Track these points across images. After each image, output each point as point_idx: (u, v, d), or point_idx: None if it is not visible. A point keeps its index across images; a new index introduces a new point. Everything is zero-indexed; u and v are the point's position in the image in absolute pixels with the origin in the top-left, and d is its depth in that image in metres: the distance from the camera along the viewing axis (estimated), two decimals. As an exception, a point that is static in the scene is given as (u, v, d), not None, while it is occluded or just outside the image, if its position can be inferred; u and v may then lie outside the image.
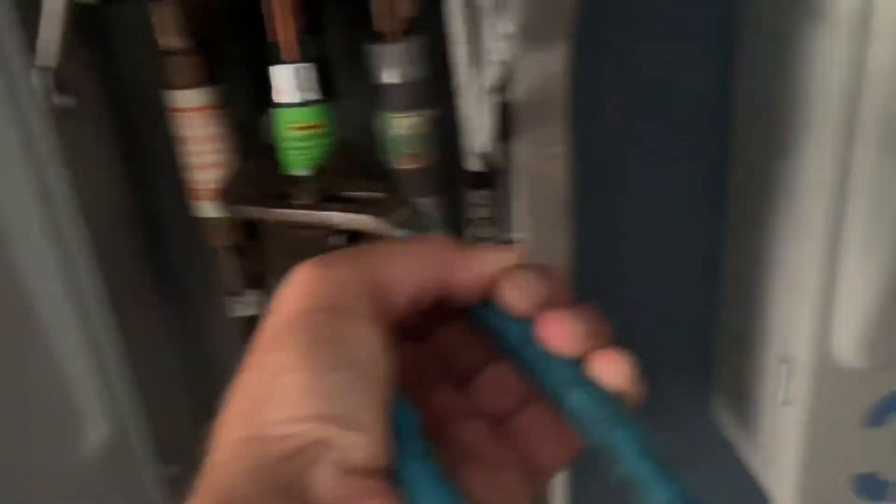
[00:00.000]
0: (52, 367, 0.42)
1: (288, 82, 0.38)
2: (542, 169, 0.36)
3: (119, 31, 0.41)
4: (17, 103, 0.35)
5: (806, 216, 0.42)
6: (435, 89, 0.42)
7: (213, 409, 0.22)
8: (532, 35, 0.33)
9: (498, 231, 0.47)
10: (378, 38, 0.39)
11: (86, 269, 0.39)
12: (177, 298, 0.50)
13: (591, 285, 0.54)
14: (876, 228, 0.38)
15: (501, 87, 0.35)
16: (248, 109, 0.41)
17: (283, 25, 0.37)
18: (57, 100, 0.33)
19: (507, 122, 0.36)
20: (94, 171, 0.40)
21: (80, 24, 0.34)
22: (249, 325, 0.48)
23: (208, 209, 0.42)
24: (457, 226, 0.48)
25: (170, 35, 0.37)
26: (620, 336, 0.22)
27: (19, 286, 0.40)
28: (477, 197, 0.47)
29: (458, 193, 0.47)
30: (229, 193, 0.41)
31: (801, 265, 0.43)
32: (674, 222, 0.56)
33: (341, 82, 0.41)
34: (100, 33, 0.41)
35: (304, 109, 0.39)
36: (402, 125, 0.41)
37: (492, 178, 0.45)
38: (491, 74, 0.35)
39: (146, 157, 0.45)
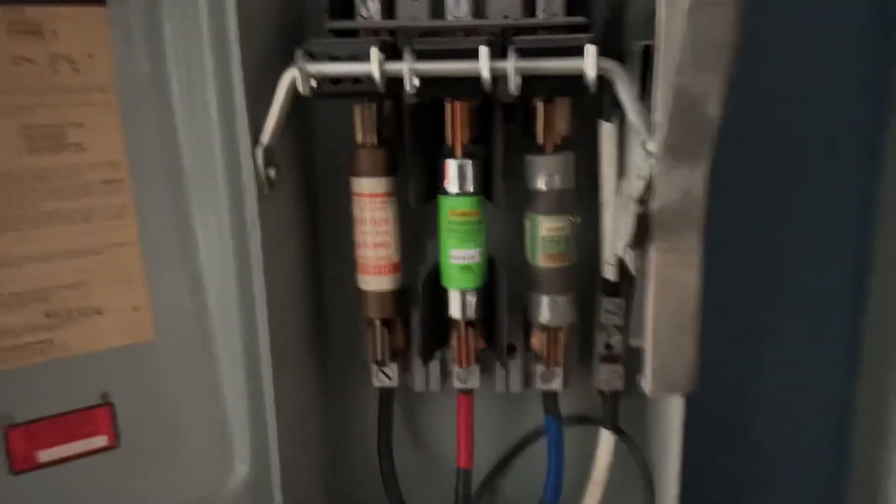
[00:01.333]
0: (219, 406, 0.48)
1: (454, 175, 0.44)
2: (676, 277, 0.39)
3: (320, 122, 0.49)
4: (235, 174, 0.42)
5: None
6: (582, 198, 0.46)
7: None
8: (675, 153, 0.37)
9: (627, 338, 0.49)
10: (536, 149, 0.45)
11: (261, 323, 0.45)
12: (329, 362, 0.55)
13: (718, 399, 0.55)
14: None
15: (643, 200, 0.39)
16: (418, 198, 0.47)
17: (456, 131, 0.43)
18: (269, 173, 0.41)
19: (644, 233, 0.40)
20: (283, 237, 0.47)
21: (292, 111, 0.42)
22: (387, 396, 0.52)
23: (370, 283, 0.48)
24: (589, 329, 0.51)
25: (364, 131, 0.44)
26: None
27: (206, 328, 0.47)
28: (610, 304, 0.50)
29: (595, 298, 0.50)
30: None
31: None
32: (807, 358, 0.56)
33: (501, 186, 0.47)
34: (304, 121, 0.49)
35: (464, 198, 0.44)
36: (547, 227, 0.45)
37: (625, 287, 0.48)
38: (635, 187, 0.39)
39: (326, 232, 0.52)
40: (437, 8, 0.44)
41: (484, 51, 0.38)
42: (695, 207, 0.38)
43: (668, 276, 0.40)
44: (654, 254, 0.39)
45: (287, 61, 0.40)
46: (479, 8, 0.44)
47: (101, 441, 0.45)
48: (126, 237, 0.45)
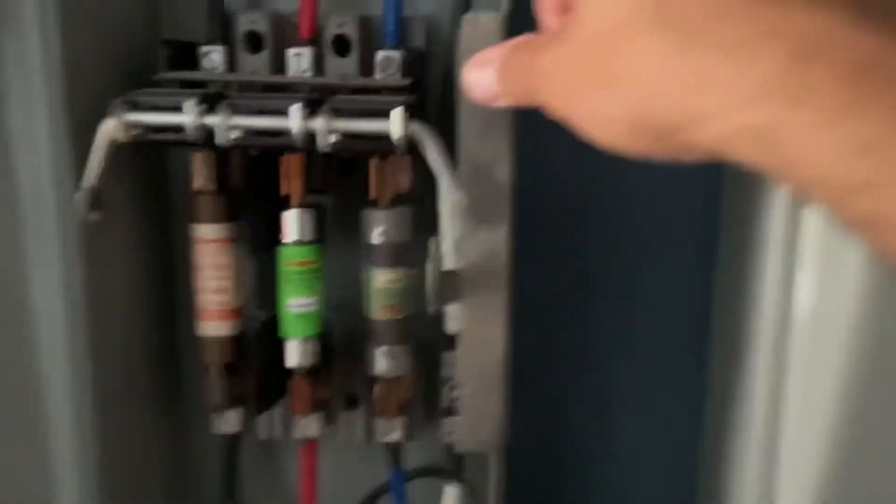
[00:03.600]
0: (43, 449, 0.47)
1: (290, 225, 0.45)
2: (481, 336, 0.40)
3: (172, 169, 0.50)
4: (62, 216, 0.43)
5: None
6: (418, 252, 0.47)
7: None
8: (475, 216, 0.38)
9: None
10: (371, 204, 0.46)
11: (85, 369, 0.45)
12: (181, 410, 0.55)
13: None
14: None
15: (451, 258, 0.40)
16: (260, 245, 0.48)
17: (290, 182, 0.45)
18: (91, 215, 0.41)
19: (451, 290, 0.40)
20: (116, 281, 0.47)
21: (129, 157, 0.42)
22: (230, 441, 0.52)
23: (209, 328, 0.48)
24: (434, 382, 0.52)
25: (201, 177, 0.45)
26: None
27: (32, 366, 0.47)
28: (450, 357, 0.51)
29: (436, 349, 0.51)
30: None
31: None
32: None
33: (337, 239, 0.48)
34: (160, 168, 0.50)
35: (300, 248, 0.45)
36: (381, 280, 0.46)
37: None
38: (444, 246, 0.40)
39: (182, 278, 0.52)
40: (279, 64, 0.46)
41: (295, 109, 0.39)
42: (499, 267, 0.39)
43: (474, 334, 0.40)
44: (460, 312, 0.40)
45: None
46: (319, 67, 0.45)
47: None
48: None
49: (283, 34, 0.47)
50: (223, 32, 0.47)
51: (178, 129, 0.40)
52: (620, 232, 0.55)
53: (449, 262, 0.40)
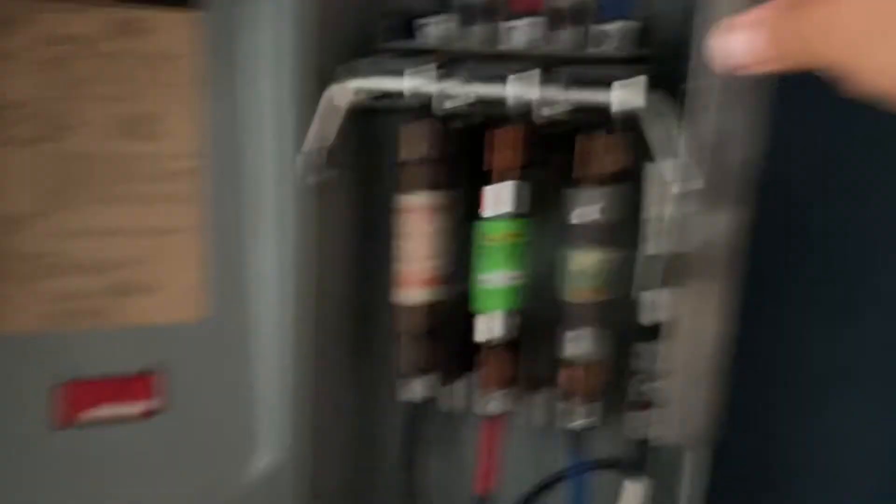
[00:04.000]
0: (253, 391, 0.50)
1: (489, 199, 0.45)
2: (695, 325, 0.38)
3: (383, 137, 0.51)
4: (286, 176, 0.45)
5: None
6: (625, 234, 0.45)
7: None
8: (703, 198, 0.36)
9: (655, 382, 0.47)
10: (575, 182, 0.45)
11: (305, 321, 0.48)
12: (363, 370, 0.56)
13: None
14: None
15: (675, 242, 0.38)
16: (462, 216, 0.48)
17: (494, 156, 0.44)
18: (323, 174, 0.43)
19: (674, 274, 0.39)
20: (331, 239, 0.49)
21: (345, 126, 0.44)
22: (415, 411, 0.53)
23: (409, 295, 0.49)
24: (622, 372, 0.50)
25: (410, 147, 0.46)
26: None
27: (253, 314, 0.50)
28: (642, 348, 0.49)
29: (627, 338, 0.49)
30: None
31: None
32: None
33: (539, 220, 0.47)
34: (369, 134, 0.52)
35: (497, 223, 0.45)
36: (577, 261, 0.45)
37: (656, 330, 0.46)
38: (669, 227, 0.38)
39: (379, 246, 0.54)
40: (494, 37, 0.45)
41: (531, 75, 0.39)
42: (726, 255, 0.37)
43: (690, 323, 0.38)
44: (675, 299, 0.38)
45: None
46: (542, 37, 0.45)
47: (140, 408, 0.49)
48: (189, 222, 0.49)
49: (498, 7, 0.46)
50: (440, 4, 0.47)
51: (403, 95, 0.41)
52: (849, 233, 0.51)
53: (666, 246, 0.38)
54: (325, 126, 0.42)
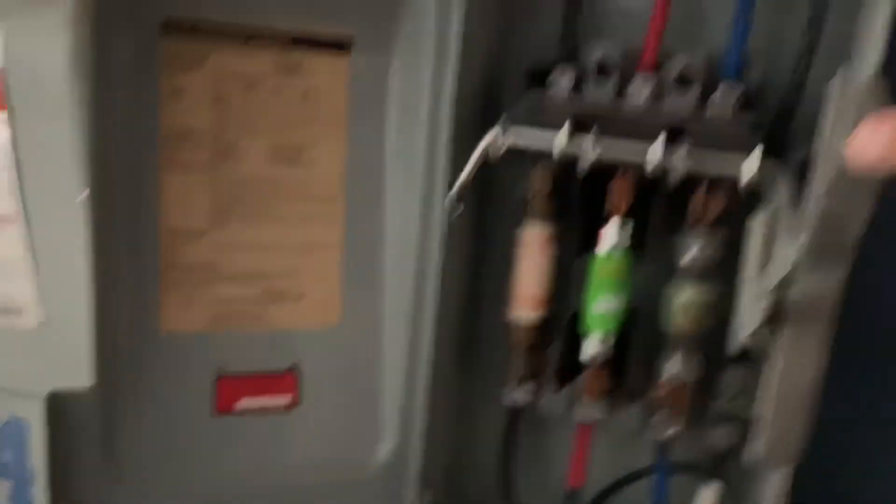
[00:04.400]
0: (379, 386, 0.57)
1: (606, 238, 0.51)
2: (797, 364, 0.44)
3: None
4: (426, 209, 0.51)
5: None
6: (725, 271, 0.51)
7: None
8: (815, 260, 0.41)
9: (743, 409, 0.53)
10: (686, 225, 0.50)
11: (429, 328, 0.54)
12: (470, 378, 0.63)
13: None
14: None
15: (781, 288, 0.44)
16: (576, 250, 0.54)
17: (615, 201, 0.50)
18: (455, 214, 0.49)
19: (777, 318, 0.44)
20: (454, 262, 0.55)
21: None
22: (517, 414, 0.60)
23: (521, 313, 0.55)
24: (706, 396, 0.56)
25: (537, 186, 0.52)
26: None
27: (381, 319, 0.56)
28: (731, 375, 0.55)
29: (719, 362, 0.55)
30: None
31: None
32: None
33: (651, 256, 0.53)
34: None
35: (611, 259, 0.51)
36: (683, 297, 0.51)
37: (748, 361, 0.52)
38: (774, 275, 0.44)
39: (491, 267, 0.59)
40: (622, 92, 0.51)
41: (658, 144, 0.44)
42: (826, 308, 0.43)
43: (791, 361, 0.44)
44: (782, 340, 0.44)
45: (484, 122, 0.49)
46: (658, 97, 0.50)
47: (285, 400, 0.55)
48: (332, 240, 0.55)
49: (630, 63, 0.51)
50: (572, 57, 0.52)
51: (541, 151, 0.47)
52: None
53: (770, 292, 0.44)
54: (473, 170, 0.48)
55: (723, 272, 0.51)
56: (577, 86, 0.51)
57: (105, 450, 0.51)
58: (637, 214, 0.52)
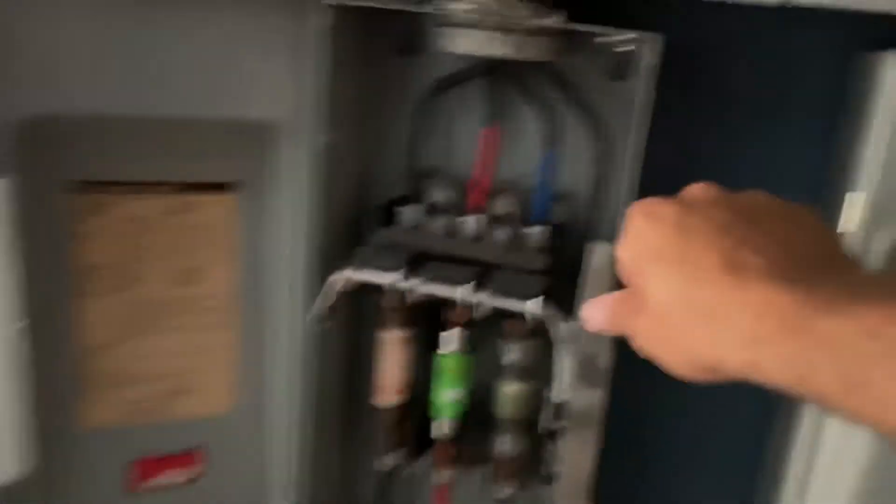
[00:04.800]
0: (269, 457, 0.69)
1: (445, 342, 0.63)
2: (576, 457, 0.56)
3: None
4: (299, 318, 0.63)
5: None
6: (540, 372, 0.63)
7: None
8: (581, 375, 0.54)
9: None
10: (505, 336, 0.63)
11: (307, 415, 0.66)
12: (350, 446, 0.75)
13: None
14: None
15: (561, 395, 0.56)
16: (423, 350, 0.66)
17: (450, 319, 0.62)
18: (321, 326, 0.61)
19: (559, 417, 0.57)
20: (331, 358, 0.67)
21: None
22: (387, 476, 0.72)
23: (385, 399, 0.67)
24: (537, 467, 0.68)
25: (390, 303, 0.63)
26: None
27: (268, 404, 0.68)
28: (547, 449, 0.67)
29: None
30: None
31: None
32: None
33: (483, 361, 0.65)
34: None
35: (450, 358, 0.63)
36: (509, 390, 0.63)
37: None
38: (555, 391, 0.56)
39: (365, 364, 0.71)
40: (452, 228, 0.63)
41: (463, 288, 0.56)
42: (594, 415, 0.55)
43: (573, 455, 0.57)
44: (567, 438, 0.57)
45: (345, 252, 0.60)
46: (483, 237, 0.62)
47: (190, 473, 0.67)
48: (224, 342, 0.66)
49: (461, 201, 0.63)
50: (416, 192, 0.64)
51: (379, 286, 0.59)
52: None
53: (560, 397, 0.56)
54: (326, 298, 0.59)
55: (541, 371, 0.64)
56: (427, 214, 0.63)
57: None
58: (472, 324, 0.65)
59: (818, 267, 0.33)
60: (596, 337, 0.51)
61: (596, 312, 0.42)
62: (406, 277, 0.58)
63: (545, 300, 0.55)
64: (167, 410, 0.66)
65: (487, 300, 0.57)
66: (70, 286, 0.61)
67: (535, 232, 0.61)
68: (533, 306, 0.55)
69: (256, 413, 0.68)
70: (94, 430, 0.64)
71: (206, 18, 0.56)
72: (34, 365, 0.58)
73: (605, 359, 0.52)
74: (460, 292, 0.57)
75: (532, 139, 0.63)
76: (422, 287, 0.58)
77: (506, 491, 0.68)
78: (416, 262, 0.60)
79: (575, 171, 0.63)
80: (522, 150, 0.63)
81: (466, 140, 0.64)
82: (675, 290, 0.34)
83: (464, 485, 0.71)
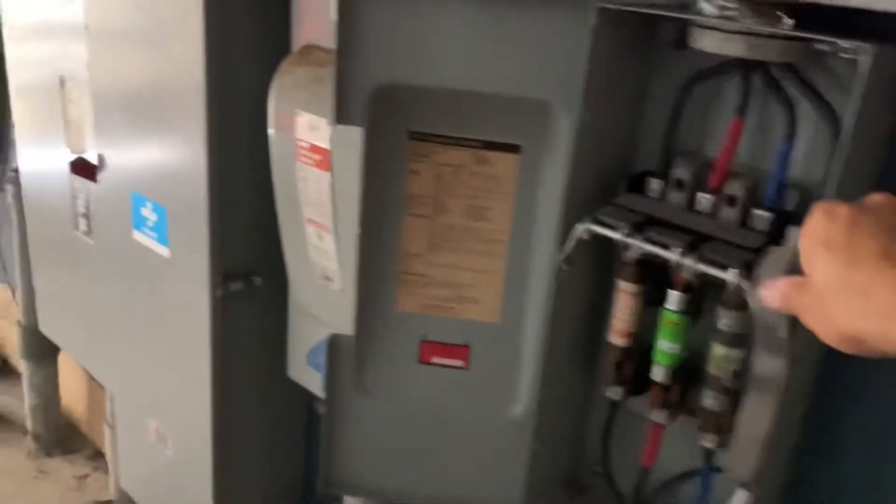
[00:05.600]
0: (521, 363, 0.87)
1: (671, 301, 0.73)
2: (757, 409, 0.63)
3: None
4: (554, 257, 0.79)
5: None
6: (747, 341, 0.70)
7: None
8: (763, 342, 0.61)
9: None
10: (722, 303, 0.70)
11: (552, 332, 0.82)
12: (585, 372, 0.89)
13: None
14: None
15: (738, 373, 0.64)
16: (650, 303, 0.77)
17: (674, 280, 0.72)
18: (563, 265, 0.76)
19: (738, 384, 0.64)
20: (574, 292, 0.82)
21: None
22: (614, 406, 0.85)
23: (615, 339, 0.80)
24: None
25: (624, 256, 0.76)
26: None
27: (525, 319, 0.85)
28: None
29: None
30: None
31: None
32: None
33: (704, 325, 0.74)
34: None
35: (673, 314, 0.73)
36: (719, 352, 0.71)
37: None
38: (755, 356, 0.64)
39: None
40: (693, 198, 0.72)
41: (675, 251, 0.66)
42: (777, 381, 0.62)
43: (752, 414, 0.64)
44: (748, 398, 0.64)
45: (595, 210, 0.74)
46: (714, 214, 0.70)
47: (459, 363, 0.88)
48: (498, 267, 0.85)
49: (702, 178, 0.72)
50: (667, 168, 0.75)
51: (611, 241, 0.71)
52: None
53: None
54: (569, 244, 0.74)
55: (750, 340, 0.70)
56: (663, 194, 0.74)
57: (358, 373, 0.90)
58: (698, 290, 0.74)
59: None
60: (777, 314, 0.58)
61: (772, 291, 0.50)
62: (628, 235, 0.70)
63: (743, 272, 0.63)
64: (454, 311, 0.88)
65: (691, 264, 0.66)
66: (399, 208, 0.85)
67: (762, 215, 0.67)
68: (730, 275, 0.63)
69: (516, 327, 0.86)
70: (403, 314, 0.88)
71: (512, 16, 0.73)
72: (366, 260, 0.84)
73: (783, 330, 0.58)
74: (669, 254, 0.67)
75: (774, 132, 0.68)
76: (639, 244, 0.69)
77: (708, 442, 0.77)
78: (645, 226, 0.71)
79: (812, 165, 0.67)
80: (764, 140, 0.70)
81: (717, 127, 0.73)
82: (836, 273, 0.41)
83: (675, 429, 0.81)
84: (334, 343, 0.87)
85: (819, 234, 0.42)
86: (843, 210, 0.42)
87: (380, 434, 0.91)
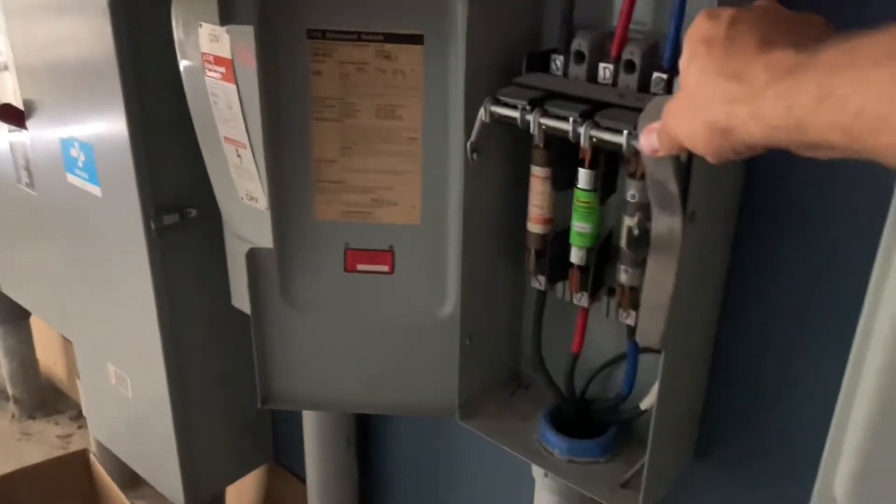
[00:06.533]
0: (445, 262, 0.86)
1: (581, 178, 0.72)
2: (658, 280, 0.63)
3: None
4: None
5: None
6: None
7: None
8: (658, 207, 0.60)
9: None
10: (629, 175, 0.69)
11: (473, 229, 0.81)
12: (506, 263, 0.88)
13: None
14: None
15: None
16: (561, 185, 0.75)
17: (583, 156, 0.70)
18: (473, 156, 0.74)
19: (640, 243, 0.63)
20: (486, 186, 0.80)
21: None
22: (540, 296, 0.84)
23: (532, 227, 0.78)
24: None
25: (536, 141, 0.74)
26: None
27: (446, 220, 0.84)
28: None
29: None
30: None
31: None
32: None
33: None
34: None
35: (585, 192, 0.72)
36: (628, 224, 0.70)
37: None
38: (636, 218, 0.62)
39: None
40: (594, 70, 0.70)
41: (571, 121, 0.64)
42: (675, 241, 0.61)
43: (654, 277, 0.63)
44: (649, 261, 0.63)
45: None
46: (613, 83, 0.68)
47: (385, 268, 0.87)
48: (414, 168, 0.83)
49: (602, 49, 0.70)
50: (567, 43, 0.72)
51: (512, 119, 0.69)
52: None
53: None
54: (478, 128, 0.72)
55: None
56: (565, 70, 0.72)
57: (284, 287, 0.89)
58: (608, 165, 0.72)
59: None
60: (663, 164, 0.56)
61: (647, 135, 0.49)
62: (525, 111, 0.68)
63: (635, 133, 0.61)
64: (373, 216, 0.86)
65: (586, 131, 0.64)
66: (305, 113, 0.83)
67: (660, 77, 0.65)
68: (623, 138, 0.62)
69: (438, 227, 0.85)
70: (323, 223, 0.87)
71: None
72: (277, 170, 0.82)
73: (673, 184, 0.57)
74: (566, 125, 0.65)
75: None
76: (538, 119, 0.67)
77: (627, 318, 0.76)
78: (546, 101, 0.69)
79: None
80: (663, 2, 0.67)
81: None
82: (712, 64, 0.40)
83: (608, 316, 0.80)
84: (253, 258, 0.86)
85: (700, 34, 0.42)
86: (725, 11, 0.42)
87: (313, 346, 0.90)
